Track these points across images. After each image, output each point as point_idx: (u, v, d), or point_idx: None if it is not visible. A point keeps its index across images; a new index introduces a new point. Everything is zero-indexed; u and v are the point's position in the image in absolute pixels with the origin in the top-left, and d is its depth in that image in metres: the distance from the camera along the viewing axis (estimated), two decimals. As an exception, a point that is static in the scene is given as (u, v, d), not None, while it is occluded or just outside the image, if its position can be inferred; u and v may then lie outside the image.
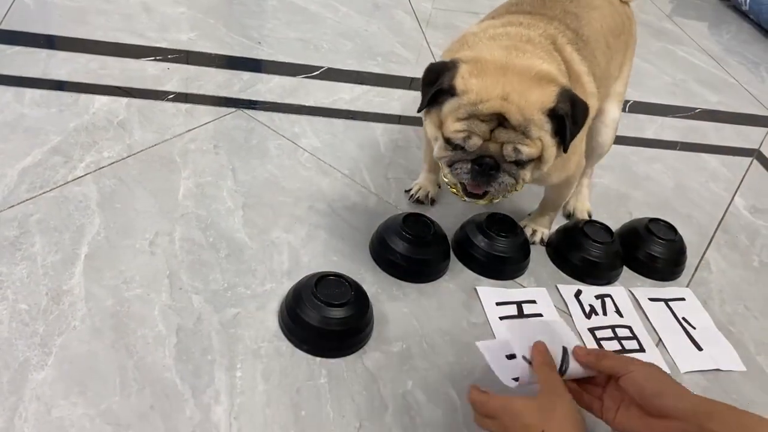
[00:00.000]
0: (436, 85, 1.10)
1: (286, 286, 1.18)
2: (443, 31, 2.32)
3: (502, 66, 1.09)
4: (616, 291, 1.37)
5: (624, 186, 1.73)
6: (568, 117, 1.08)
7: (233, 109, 1.63)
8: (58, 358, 0.99)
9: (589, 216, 1.55)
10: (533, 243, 1.45)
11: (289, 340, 1.10)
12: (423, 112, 1.18)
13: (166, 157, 1.43)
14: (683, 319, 1.35)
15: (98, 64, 1.68)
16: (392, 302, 1.22)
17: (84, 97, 1.55)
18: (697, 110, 2.24)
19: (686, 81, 2.43)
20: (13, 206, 1.22)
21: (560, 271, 1.40)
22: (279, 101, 1.72)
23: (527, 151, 1.08)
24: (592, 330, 1.27)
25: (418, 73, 2.03)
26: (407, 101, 1.86)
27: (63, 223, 1.21)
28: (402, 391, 1.07)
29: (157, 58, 1.76)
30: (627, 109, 2.12)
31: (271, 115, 1.65)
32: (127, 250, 1.19)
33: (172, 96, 1.62)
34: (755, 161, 2.02)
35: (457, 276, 1.32)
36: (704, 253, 1.56)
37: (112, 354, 1.02)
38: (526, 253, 1.37)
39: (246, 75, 1.79)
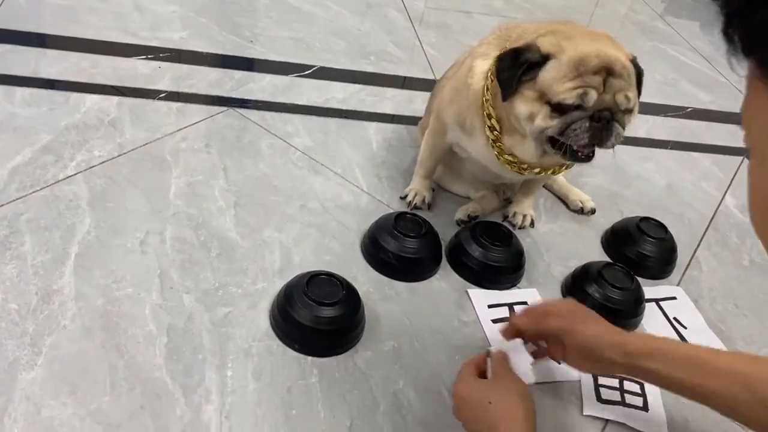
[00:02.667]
0: (521, 62, 1.11)
1: (278, 285, 1.18)
2: (436, 30, 2.32)
3: (578, 31, 1.16)
4: None
5: (615, 185, 1.74)
6: (642, 71, 1.16)
7: (225, 108, 1.63)
8: (47, 357, 0.99)
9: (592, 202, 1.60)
10: (523, 227, 1.46)
11: (281, 339, 1.10)
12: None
13: (158, 156, 1.43)
14: (674, 319, 1.35)
15: (89, 62, 1.67)
16: (384, 301, 1.22)
17: (75, 96, 1.54)
18: (689, 109, 2.24)
19: (678, 80, 2.44)
20: (3, 205, 1.22)
21: (555, 274, 1.40)
22: (271, 100, 1.71)
23: (633, 97, 1.13)
24: (595, 376, 1.16)
25: (411, 72, 2.04)
26: (400, 100, 1.86)
27: (53, 223, 1.21)
28: (393, 389, 1.07)
29: (149, 56, 1.75)
30: (619, 109, 2.12)
31: (263, 113, 1.65)
32: (117, 249, 1.19)
33: (163, 95, 1.62)
34: (746, 160, 2.02)
35: (449, 275, 1.32)
36: (695, 252, 1.57)
37: (102, 353, 1.01)
38: (520, 263, 1.36)
39: (238, 74, 1.78)
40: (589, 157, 1.19)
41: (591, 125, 1.12)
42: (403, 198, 1.47)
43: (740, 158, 2.03)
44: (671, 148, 1.99)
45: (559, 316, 1.00)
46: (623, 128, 1.15)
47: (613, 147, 1.17)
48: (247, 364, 1.05)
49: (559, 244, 1.48)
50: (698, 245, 1.60)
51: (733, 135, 2.15)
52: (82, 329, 1.04)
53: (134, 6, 1.96)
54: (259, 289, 1.19)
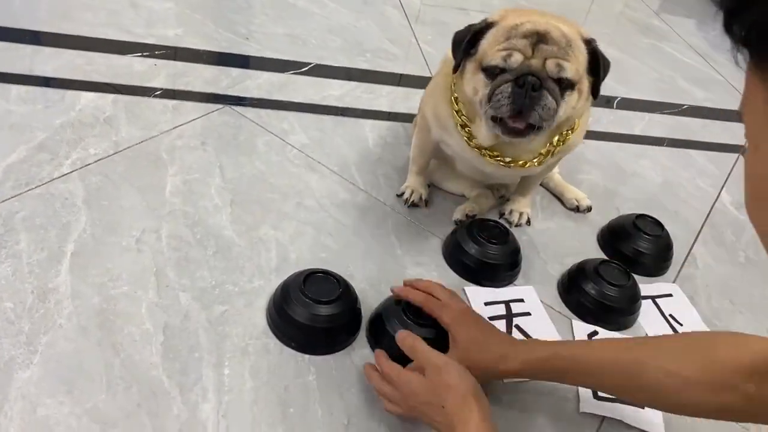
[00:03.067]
0: (469, 32, 1.12)
1: (274, 283, 1.18)
2: (432, 27, 2.32)
3: (534, 12, 1.14)
4: None
5: (612, 182, 1.74)
6: (602, 55, 1.12)
7: (221, 106, 1.63)
8: (44, 356, 0.98)
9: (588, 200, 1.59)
10: (519, 225, 1.46)
11: (277, 337, 1.10)
12: (457, 74, 1.19)
13: (153, 153, 1.42)
14: (670, 316, 1.35)
15: (84, 60, 1.66)
16: (380, 299, 1.22)
17: (70, 94, 1.54)
18: (685, 107, 2.25)
19: (674, 77, 2.45)
20: (-2, 203, 1.21)
21: (551, 271, 1.40)
22: (267, 97, 1.71)
23: (570, 67, 1.08)
24: None
25: (407, 69, 2.04)
26: (396, 97, 1.86)
27: (49, 221, 1.20)
28: (390, 387, 1.07)
29: (144, 54, 1.74)
30: (615, 106, 2.13)
31: (259, 111, 1.64)
32: (113, 247, 1.19)
33: (159, 92, 1.61)
34: (741, 157, 2.03)
35: (447, 273, 1.32)
36: (691, 249, 1.57)
37: (98, 352, 1.01)
38: (517, 261, 1.35)
39: (234, 71, 1.78)
40: (517, 132, 1.14)
41: (514, 90, 1.08)
42: (400, 196, 1.47)
43: (736, 155, 2.03)
44: (667, 146, 2.00)
45: (453, 310, 1.05)
46: (556, 101, 1.09)
47: (542, 121, 1.11)
48: (244, 362, 1.05)
49: (555, 241, 1.48)
50: (694, 242, 1.60)
51: (728, 132, 2.16)
52: (78, 328, 1.04)
53: (129, 3, 1.96)
54: (256, 287, 1.18)
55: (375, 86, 1.88)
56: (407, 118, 1.74)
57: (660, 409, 0.99)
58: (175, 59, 1.76)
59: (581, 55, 1.11)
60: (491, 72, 1.11)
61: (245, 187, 1.40)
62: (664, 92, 2.32)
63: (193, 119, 1.56)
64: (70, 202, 1.25)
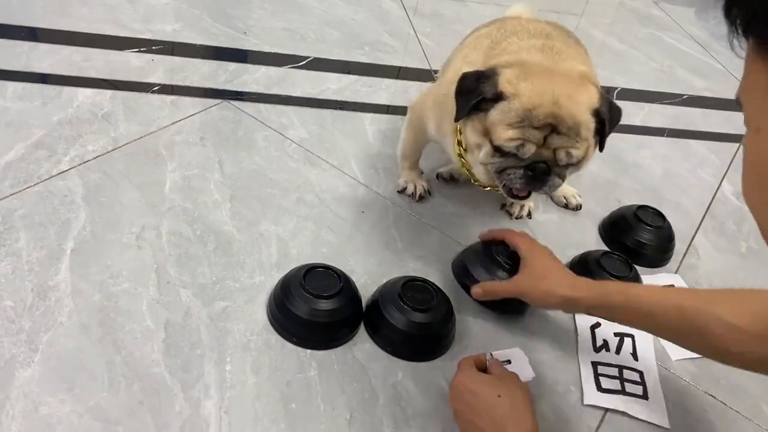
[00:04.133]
0: (477, 93, 1.09)
1: (275, 278, 1.18)
2: (430, 19, 2.31)
3: (546, 69, 1.12)
4: (642, 334, 1.24)
5: (612, 173, 1.73)
6: (608, 119, 1.13)
7: (219, 101, 1.62)
8: (44, 354, 0.98)
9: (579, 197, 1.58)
10: (520, 217, 1.47)
11: (279, 332, 1.10)
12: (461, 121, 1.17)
13: (152, 149, 1.42)
14: (672, 306, 1.35)
15: (82, 56, 1.65)
16: (382, 293, 1.22)
17: (67, 90, 1.53)
18: (685, 96, 2.24)
19: (673, 67, 2.44)
20: (-4, 202, 1.21)
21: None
22: (266, 92, 1.70)
23: (577, 154, 1.11)
24: (595, 363, 1.18)
25: (406, 62, 2.03)
26: (395, 90, 1.85)
27: (48, 218, 1.20)
28: (392, 381, 1.07)
29: (142, 49, 1.73)
30: (615, 96, 2.12)
31: (257, 106, 1.64)
32: (113, 244, 1.18)
33: (157, 88, 1.61)
34: (742, 147, 2.02)
35: (446, 267, 1.32)
36: (692, 240, 1.57)
37: (99, 349, 1.01)
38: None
39: (232, 66, 1.77)
40: (523, 197, 1.21)
41: (525, 173, 1.12)
42: (401, 191, 1.46)
43: (736, 145, 2.03)
44: (667, 136, 1.99)
45: (529, 240, 1.19)
46: (562, 179, 1.15)
47: (546, 194, 1.22)
48: (246, 358, 1.05)
49: (556, 233, 1.48)
50: (695, 233, 1.60)
51: (729, 121, 2.15)
52: (78, 325, 1.03)
53: (126, -2, 1.95)
54: (257, 282, 1.18)
55: (374, 79, 1.88)
56: (406, 111, 1.73)
57: (703, 355, 1.04)
58: (172, 54, 1.75)
59: (589, 132, 1.11)
60: (501, 151, 1.11)
61: (245, 183, 1.39)
62: (663, 82, 2.31)
63: (192, 114, 1.55)
64: (69, 199, 1.25)
